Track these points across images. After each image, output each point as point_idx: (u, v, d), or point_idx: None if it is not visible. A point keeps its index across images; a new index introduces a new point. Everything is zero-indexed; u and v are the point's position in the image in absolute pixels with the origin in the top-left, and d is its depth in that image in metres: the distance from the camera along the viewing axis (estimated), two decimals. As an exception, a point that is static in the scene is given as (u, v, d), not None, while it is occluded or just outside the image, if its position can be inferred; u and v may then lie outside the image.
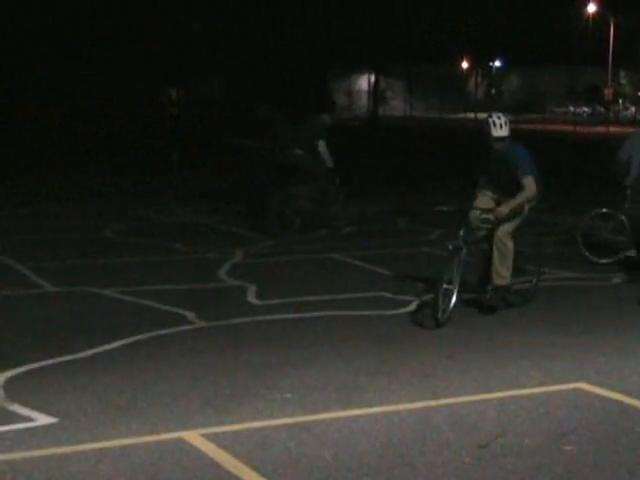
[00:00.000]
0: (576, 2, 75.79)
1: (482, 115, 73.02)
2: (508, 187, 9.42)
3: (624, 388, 6.94)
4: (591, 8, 76.02)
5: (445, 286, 8.82)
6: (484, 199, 9.68)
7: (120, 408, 6.39)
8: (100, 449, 5.67)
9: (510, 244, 9.41)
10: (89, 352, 7.77)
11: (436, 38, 59.42)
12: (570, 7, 75.99)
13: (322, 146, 14.40)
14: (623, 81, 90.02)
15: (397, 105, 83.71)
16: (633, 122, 63.34)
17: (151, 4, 39.55)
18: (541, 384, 7.03)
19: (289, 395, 6.70)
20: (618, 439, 5.94)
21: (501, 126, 9.29)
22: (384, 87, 77.85)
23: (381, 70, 69.73)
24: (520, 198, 9.33)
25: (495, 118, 9.38)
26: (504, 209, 9.31)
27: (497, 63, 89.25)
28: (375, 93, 71.61)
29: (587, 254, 12.08)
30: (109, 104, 48.61)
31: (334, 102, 56.46)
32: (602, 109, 79.23)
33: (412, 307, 9.59)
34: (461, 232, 9.14)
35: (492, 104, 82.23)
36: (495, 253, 9.40)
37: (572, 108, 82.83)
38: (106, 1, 39.20)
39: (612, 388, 6.94)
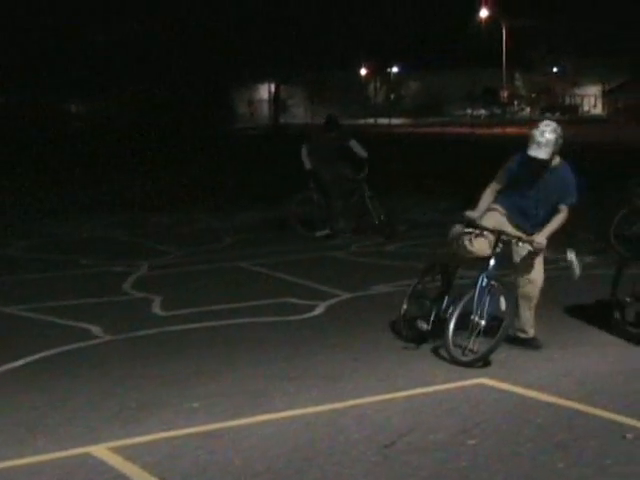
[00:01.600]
0: (470, 6, 77.20)
1: (382, 120, 73.75)
2: (536, 211, 7.91)
3: (525, 382, 7.12)
4: (483, 13, 77.54)
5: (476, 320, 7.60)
6: (495, 217, 7.94)
7: (27, 426, 6.32)
8: (7, 468, 5.61)
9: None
10: (-8, 371, 7.66)
11: (334, 45, 59.86)
12: (465, 12, 77.38)
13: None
14: (518, 83, 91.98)
15: (299, 113, 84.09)
16: (529, 122, 64.73)
17: (51, 15, 38.90)
18: (445, 381, 7.18)
19: (197, 404, 6.71)
20: (519, 431, 6.10)
21: (540, 144, 7.47)
22: (285, 96, 78.09)
23: (281, 79, 69.97)
24: (556, 223, 7.80)
25: (538, 131, 7.53)
26: (543, 239, 7.70)
27: (395, 69, 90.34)
28: (276, 102, 71.79)
29: None
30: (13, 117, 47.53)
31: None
32: (498, 111, 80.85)
33: (319, 311, 9.68)
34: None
35: (392, 109, 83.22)
36: (523, 300, 8.06)
37: (470, 110, 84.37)
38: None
39: (514, 382, 7.12)
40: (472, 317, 7.59)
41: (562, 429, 6.11)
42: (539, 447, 5.83)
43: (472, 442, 5.91)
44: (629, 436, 5.95)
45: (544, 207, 7.81)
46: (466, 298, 7.68)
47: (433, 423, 6.27)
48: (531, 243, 7.69)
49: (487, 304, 7.58)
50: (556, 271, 10.06)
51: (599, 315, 9.06)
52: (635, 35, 73.17)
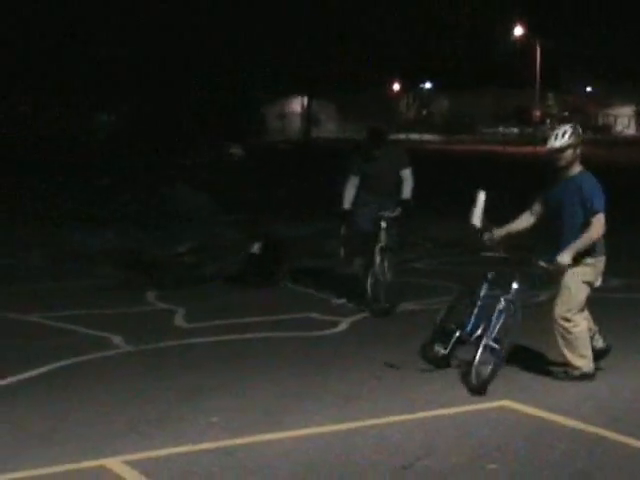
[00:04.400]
0: (503, 25, 76.99)
1: (414, 136, 73.77)
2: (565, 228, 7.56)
3: (547, 405, 7.00)
4: (518, 31, 77.30)
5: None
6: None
7: (41, 437, 6.27)
8: (20, 479, 5.56)
9: (578, 324, 7.56)
10: (9, 380, 7.62)
11: (367, 62, 59.93)
12: (496, 30, 77.21)
13: None
14: (550, 102, 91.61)
15: (331, 127, 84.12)
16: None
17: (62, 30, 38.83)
18: (466, 403, 7.06)
19: (214, 419, 6.64)
20: (540, 456, 5.98)
21: (556, 137, 7.49)
22: (317, 110, 78.22)
23: (314, 94, 70.11)
24: (584, 239, 7.40)
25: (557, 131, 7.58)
26: (564, 257, 7.35)
27: (427, 85, 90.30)
28: (308, 116, 71.90)
29: None
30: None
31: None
32: (530, 129, 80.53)
33: (342, 327, 9.60)
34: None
35: (423, 125, 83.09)
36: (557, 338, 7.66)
37: (501, 129, 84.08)
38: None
39: (536, 405, 7.00)
40: (484, 339, 7.45)
41: (584, 456, 5.98)
42: (560, 474, 5.71)
43: (492, 466, 5.79)
44: (654, 465, 5.82)
45: (571, 220, 7.48)
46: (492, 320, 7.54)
47: (452, 446, 6.16)
48: (552, 264, 7.39)
49: (498, 326, 7.44)
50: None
51: (622, 339, 8.93)
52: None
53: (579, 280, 7.48)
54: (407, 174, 10.53)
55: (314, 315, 10.16)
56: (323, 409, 6.88)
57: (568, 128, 7.51)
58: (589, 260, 7.50)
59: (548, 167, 7.74)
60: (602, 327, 8.84)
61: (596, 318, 7.88)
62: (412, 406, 6.98)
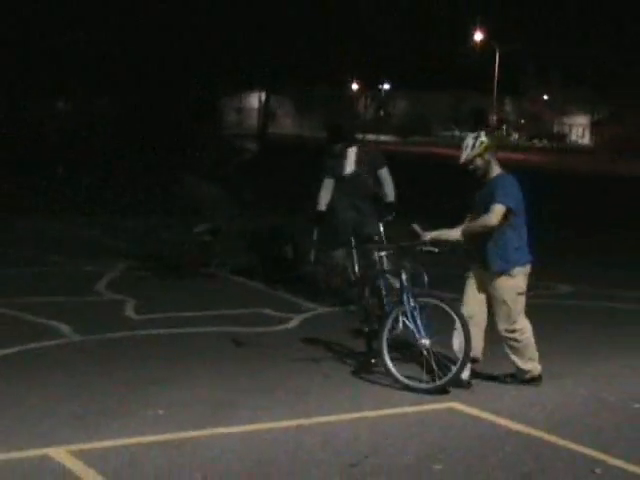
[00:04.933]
0: (463, 29, 77.46)
1: (370, 136, 74.04)
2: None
3: (494, 409, 7.03)
4: (478, 36, 77.83)
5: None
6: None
7: (-17, 424, 6.18)
8: (-39, 466, 5.48)
9: (524, 331, 7.61)
10: (-45, 365, 7.51)
11: (326, 61, 59.97)
12: (457, 34, 77.65)
13: None
14: (507, 108, 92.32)
15: (287, 123, 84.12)
16: (516, 148, 64.94)
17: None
18: (414, 403, 7.07)
19: (161, 412, 6.59)
20: (487, 458, 6.01)
21: (464, 149, 7.54)
22: (276, 105, 78.13)
23: (271, 89, 70.01)
24: (474, 225, 7.53)
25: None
26: (428, 234, 7.60)
27: (386, 86, 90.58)
28: (265, 111, 71.78)
29: None
30: None
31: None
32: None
33: (293, 324, 9.58)
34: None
35: (381, 125, 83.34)
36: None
37: (458, 132, 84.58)
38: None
39: (483, 409, 7.03)
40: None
41: (529, 459, 6.02)
42: (505, 476, 5.75)
43: (438, 467, 5.81)
44: (598, 471, 5.86)
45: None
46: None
47: (400, 445, 6.17)
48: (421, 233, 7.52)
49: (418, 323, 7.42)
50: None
51: (569, 346, 9.03)
52: (621, 66, 73.46)
53: (513, 293, 7.50)
54: (384, 174, 10.29)
55: (267, 311, 10.13)
56: (272, 405, 6.86)
57: (470, 140, 7.52)
58: (518, 269, 7.49)
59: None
60: (551, 334, 8.95)
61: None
62: (360, 405, 6.98)
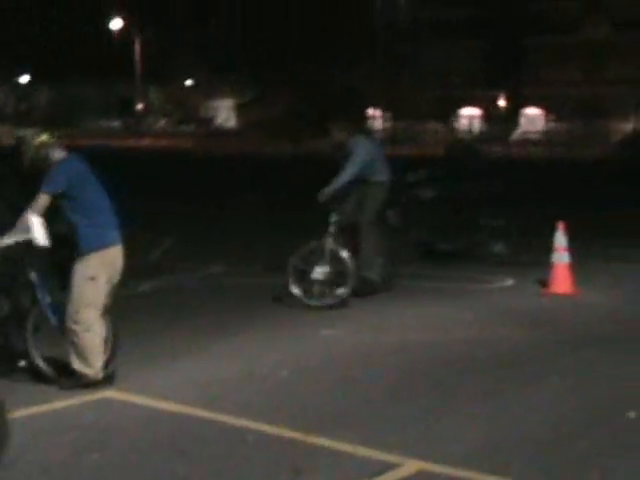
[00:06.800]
0: (104, 15, 76.58)
1: (19, 133, 71.47)
2: None
3: (150, 392, 7.11)
4: (117, 23, 77.25)
5: None
6: None
7: None
8: None
9: (88, 328, 7.11)
10: None
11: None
12: (99, 22, 76.69)
13: None
14: (152, 95, 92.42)
15: None
16: (164, 134, 65.38)
17: None
18: (68, 397, 6.96)
19: None
20: (144, 441, 6.11)
21: None
22: None
23: None
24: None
25: None
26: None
27: (26, 77, 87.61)
28: None
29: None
30: None
31: None
32: (133, 122, 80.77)
33: None
34: None
35: (22, 119, 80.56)
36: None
37: (104, 122, 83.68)
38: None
39: (138, 393, 7.09)
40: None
41: (184, 436, 6.20)
42: (162, 455, 5.88)
43: (95, 457, 5.82)
44: (250, 438, 6.14)
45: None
46: None
47: (54, 441, 6.10)
48: None
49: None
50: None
51: (218, 323, 9.33)
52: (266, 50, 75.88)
53: (80, 277, 7.08)
54: None
55: None
56: None
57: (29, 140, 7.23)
58: (86, 254, 7.10)
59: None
60: (195, 312, 9.17)
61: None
62: (9, 405, 6.78)
